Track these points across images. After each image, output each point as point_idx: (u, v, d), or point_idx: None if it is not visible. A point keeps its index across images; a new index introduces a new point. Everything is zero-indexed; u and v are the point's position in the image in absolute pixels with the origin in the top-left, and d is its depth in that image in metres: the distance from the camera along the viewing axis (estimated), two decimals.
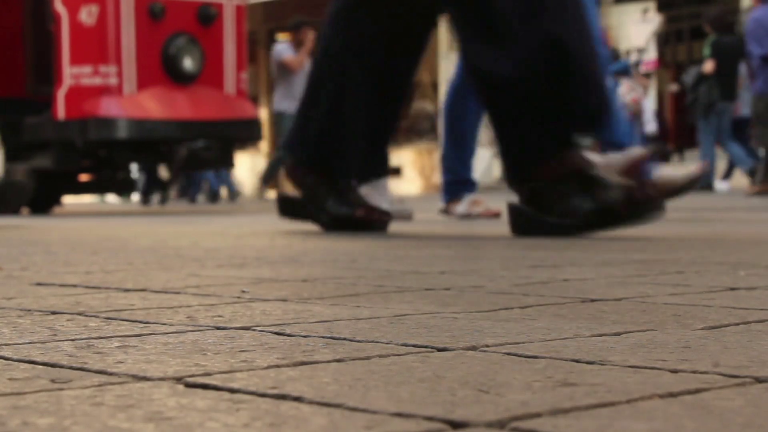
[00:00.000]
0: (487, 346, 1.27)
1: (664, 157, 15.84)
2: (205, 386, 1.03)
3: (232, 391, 1.00)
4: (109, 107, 9.30)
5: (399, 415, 0.89)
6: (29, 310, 1.71)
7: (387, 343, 1.30)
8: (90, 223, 6.82)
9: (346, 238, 3.90)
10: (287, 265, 2.64)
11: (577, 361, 1.15)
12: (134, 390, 1.02)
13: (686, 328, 1.42)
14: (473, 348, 1.26)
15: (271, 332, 1.41)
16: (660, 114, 16.62)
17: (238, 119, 9.81)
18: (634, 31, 15.97)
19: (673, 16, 17.11)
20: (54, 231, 5.17)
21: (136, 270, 2.51)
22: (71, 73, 9.40)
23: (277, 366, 1.14)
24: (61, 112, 9.43)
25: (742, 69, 12.46)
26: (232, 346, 1.30)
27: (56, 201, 11.22)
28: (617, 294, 1.86)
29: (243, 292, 1.97)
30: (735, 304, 1.69)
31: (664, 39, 17.24)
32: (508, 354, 1.21)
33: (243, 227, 5.42)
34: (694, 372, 1.08)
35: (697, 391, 0.98)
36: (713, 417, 0.87)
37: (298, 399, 0.96)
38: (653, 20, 16.12)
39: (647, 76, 15.64)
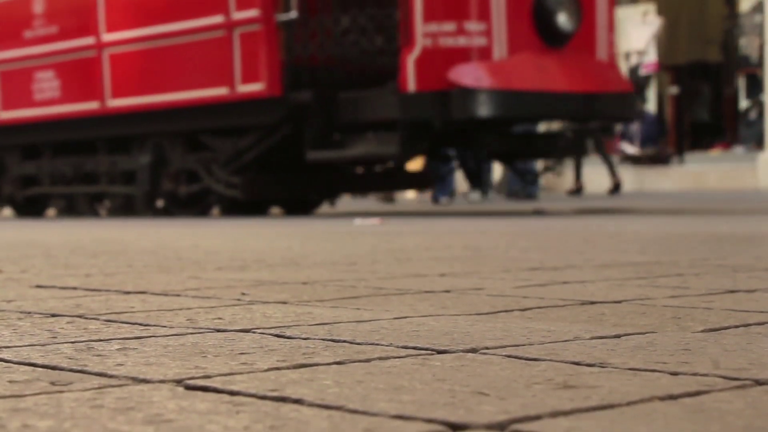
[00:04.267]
0: (487, 348, 1.27)
1: (663, 160, 15.82)
2: (205, 388, 1.03)
3: (233, 393, 1.00)
4: (478, 76, 7.09)
5: (399, 417, 0.89)
6: (29, 313, 1.71)
7: (387, 346, 1.30)
8: (90, 225, 6.82)
9: (345, 241, 3.90)
10: (287, 267, 2.64)
11: (577, 363, 1.15)
12: (134, 392, 1.01)
13: (686, 331, 1.42)
14: (473, 350, 1.25)
15: (271, 335, 1.41)
16: (660, 116, 16.62)
17: (615, 92, 7.54)
18: (634, 34, 15.97)
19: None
20: (54, 233, 5.17)
21: (136, 272, 2.51)
22: (426, 32, 7.15)
23: (278, 368, 1.14)
24: (411, 82, 7.07)
25: None
26: (232, 348, 1.29)
27: (325, 198, 8.88)
28: (617, 296, 1.86)
29: (243, 294, 1.97)
30: (734, 306, 1.69)
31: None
32: (508, 356, 1.21)
33: (243, 229, 5.42)
34: (694, 374, 1.08)
35: (697, 393, 0.98)
36: (713, 419, 0.87)
37: (298, 401, 0.96)
38: (653, 23, 16.12)
39: (647, 78, 15.65)
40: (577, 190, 13.21)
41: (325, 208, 9.19)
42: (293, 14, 7.57)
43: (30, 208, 9.61)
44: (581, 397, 0.97)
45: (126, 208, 8.62)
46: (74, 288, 2.14)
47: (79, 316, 1.65)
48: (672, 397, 0.96)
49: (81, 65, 8.59)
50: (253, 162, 7.81)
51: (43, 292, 2.07)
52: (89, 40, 8.49)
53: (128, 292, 2.03)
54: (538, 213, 7.68)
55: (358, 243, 3.75)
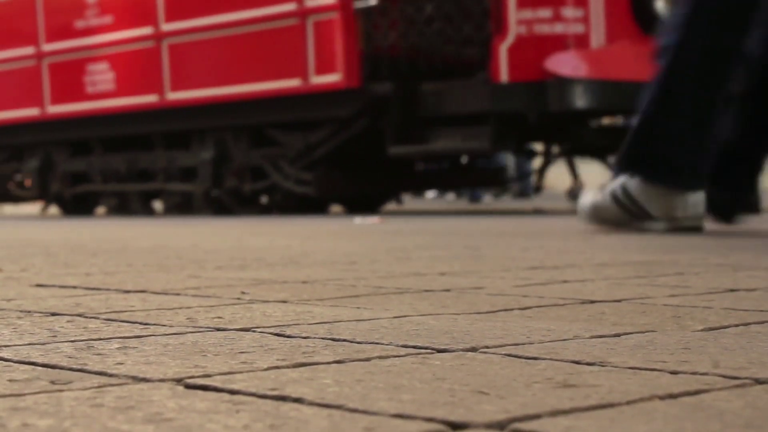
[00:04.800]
0: (487, 347, 1.27)
1: None
2: (205, 387, 1.03)
3: (232, 392, 1.00)
4: (576, 65, 6.69)
5: (399, 416, 0.89)
6: (29, 312, 1.71)
7: (387, 345, 1.30)
8: (90, 224, 6.82)
9: (345, 240, 3.90)
10: (287, 266, 2.64)
11: (577, 362, 1.15)
12: (134, 391, 1.01)
13: (686, 330, 1.42)
14: (473, 349, 1.25)
15: (271, 333, 1.41)
16: None
17: None
18: None
19: None
20: (54, 233, 5.17)
21: (136, 271, 2.51)
22: (520, 19, 6.72)
23: (278, 367, 1.14)
24: (503, 72, 6.68)
25: None
26: (232, 347, 1.29)
27: (394, 195, 8.57)
28: (617, 295, 1.86)
29: (243, 293, 1.97)
30: (734, 305, 1.69)
31: None
32: (508, 355, 1.21)
33: (243, 228, 5.42)
34: (693, 373, 1.08)
35: (697, 392, 0.98)
36: (713, 418, 0.87)
37: (298, 400, 0.96)
38: None
39: None
40: (577, 189, 13.19)
41: (391, 206, 8.72)
42: (373, 1, 7.14)
43: (78, 206, 9.23)
44: (581, 396, 0.97)
45: (183, 207, 8.25)
46: (74, 287, 2.14)
47: (79, 315, 1.65)
48: (672, 396, 0.96)
49: (138, 56, 8.25)
50: (324, 158, 7.37)
51: (43, 290, 2.07)
52: (147, 30, 8.17)
53: (128, 291, 2.03)
54: (538, 212, 7.68)
55: (357, 242, 3.75)
